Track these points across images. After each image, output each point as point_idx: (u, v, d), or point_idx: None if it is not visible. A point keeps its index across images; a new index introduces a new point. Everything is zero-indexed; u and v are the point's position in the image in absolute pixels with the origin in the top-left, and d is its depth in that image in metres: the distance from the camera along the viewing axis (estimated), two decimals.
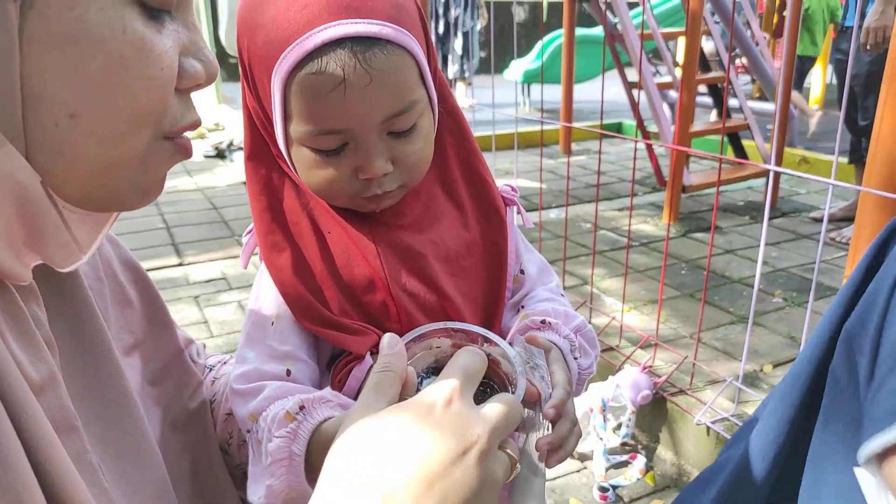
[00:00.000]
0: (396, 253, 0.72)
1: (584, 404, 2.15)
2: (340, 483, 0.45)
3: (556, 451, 0.64)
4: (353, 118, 0.64)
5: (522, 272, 0.83)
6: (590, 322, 2.65)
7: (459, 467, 0.45)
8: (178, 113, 0.48)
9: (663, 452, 2.17)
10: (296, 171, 0.71)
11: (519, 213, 0.83)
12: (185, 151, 0.50)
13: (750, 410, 2.04)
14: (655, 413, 2.19)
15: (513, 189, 0.82)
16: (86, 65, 0.41)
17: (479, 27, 6.67)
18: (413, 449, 0.45)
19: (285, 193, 0.74)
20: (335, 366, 0.74)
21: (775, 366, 2.33)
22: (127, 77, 0.43)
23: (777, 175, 3.87)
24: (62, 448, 0.46)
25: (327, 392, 0.66)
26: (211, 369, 0.83)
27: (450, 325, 0.66)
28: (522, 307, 0.81)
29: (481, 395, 0.63)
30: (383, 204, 0.72)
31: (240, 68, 0.70)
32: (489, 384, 0.65)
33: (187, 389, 0.73)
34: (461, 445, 0.46)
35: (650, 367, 2.20)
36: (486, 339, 0.65)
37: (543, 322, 0.74)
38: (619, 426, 2.14)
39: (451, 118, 0.78)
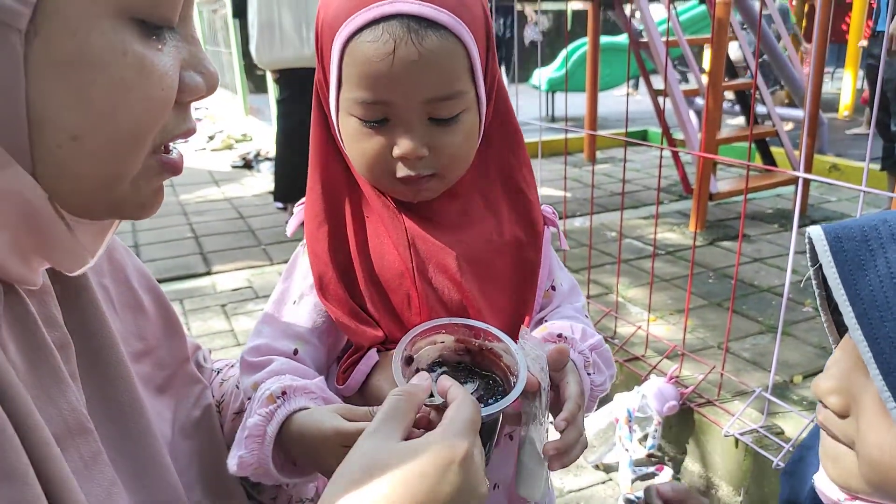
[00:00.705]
0: (426, 247, 0.74)
1: (610, 415, 2.13)
2: None
3: (561, 456, 0.66)
4: (397, 91, 0.67)
5: (554, 288, 0.86)
6: (615, 332, 2.64)
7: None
8: (171, 124, 0.49)
9: (690, 464, 2.14)
10: (343, 143, 0.75)
11: (556, 229, 0.86)
12: (173, 168, 0.51)
13: (779, 422, 2.00)
14: (682, 424, 2.16)
15: (553, 212, 0.86)
16: (88, 89, 0.43)
17: (535, 35, 6.58)
18: None
19: (337, 169, 0.78)
20: (343, 359, 0.78)
21: (805, 377, 2.28)
22: (128, 99, 0.44)
23: (806, 182, 3.80)
24: (64, 462, 0.47)
25: (314, 384, 0.71)
26: (218, 372, 0.84)
27: (454, 320, 0.69)
28: (545, 320, 0.83)
29: (485, 389, 0.66)
30: (420, 194, 0.74)
31: (314, 45, 0.76)
32: (492, 377, 0.68)
33: (193, 396, 0.74)
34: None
35: (677, 377, 2.17)
36: (488, 334, 0.67)
37: (560, 336, 0.76)
38: (645, 437, 2.12)
39: (504, 128, 0.80)
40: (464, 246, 0.75)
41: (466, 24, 0.68)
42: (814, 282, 0.60)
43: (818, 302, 0.61)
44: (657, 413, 2.07)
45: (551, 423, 0.69)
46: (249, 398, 0.72)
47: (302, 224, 0.81)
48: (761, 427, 1.96)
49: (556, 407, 0.69)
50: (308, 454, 0.65)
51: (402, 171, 0.71)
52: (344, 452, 0.52)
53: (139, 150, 0.47)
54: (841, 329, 0.60)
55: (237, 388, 0.81)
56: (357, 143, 0.72)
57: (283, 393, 0.67)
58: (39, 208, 0.45)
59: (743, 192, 1.95)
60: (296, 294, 0.78)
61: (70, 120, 0.43)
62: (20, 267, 0.47)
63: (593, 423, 2.15)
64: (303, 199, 0.81)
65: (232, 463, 0.67)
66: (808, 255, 0.56)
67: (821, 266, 0.54)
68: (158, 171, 0.50)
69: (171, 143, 0.51)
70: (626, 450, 2.07)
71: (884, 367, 0.48)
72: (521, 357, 0.65)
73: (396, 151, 0.70)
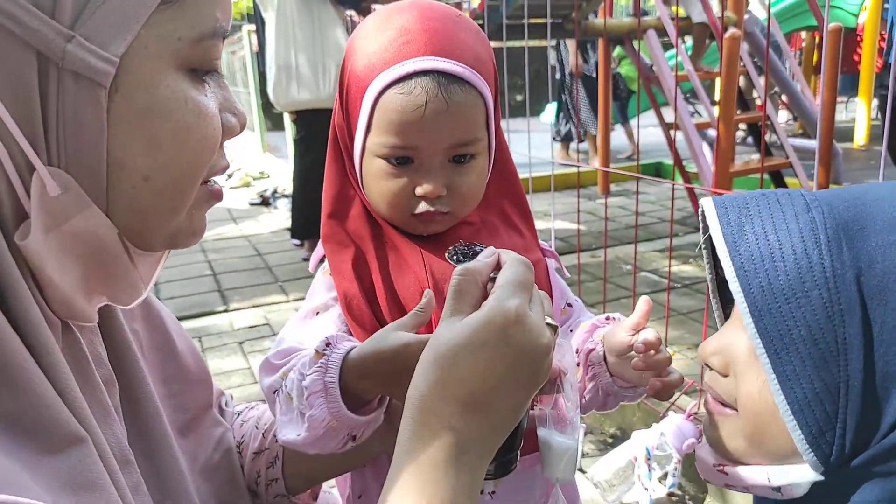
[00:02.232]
0: (441, 268, 0.79)
1: (629, 453, 2.10)
2: (430, 382, 0.51)
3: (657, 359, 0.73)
4: (425, 138, 0.75)
5: (570, 305, 0.91)
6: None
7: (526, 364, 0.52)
8: (215, 161, 0.55)
9: (712, 503, 2.10)
10: (362, 184, 0.81)
11: (557, 263, 0.92)
12: (218, 196, 0.58)
13: None
14: None
15: (549, 247, 0.92)
16: (159, 135, 0.49)
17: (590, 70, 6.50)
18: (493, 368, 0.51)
19: (353, 203, 0.84)
20: None
21: None
22: (190, 140, 0.51)
23: None
24: (123, 481, 0.51)
25: (346, 334, 0.74)
26: (238, 415, 0.87)
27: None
28: (571, 330, 0.88)
29: None
30: (430, 227, 0.81)
31: (336, 91, 0.83)
32: None
33: (214, 439, 0.76)
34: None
35: (695, 413, 2.14)
36: None
37: (608, 318, 0.83)
38: (664, 476, 2.08)
39: (502, 168, 0.87)
40: None
41: (483, 77, 0.77)
42: (706, 267, 0.67)
43: (709, 287, 0.70)
44: (676, 451, 2.04)
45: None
46: (275, 391, 0.71)
47: (322, 259, 0.85)
48: None
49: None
50: (380, 382, 0.66)
51: (421, 207, 0.78)
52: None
53: (196, 185, 0.54)
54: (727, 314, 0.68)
55: (256, 428, 0.83)
56: (380, 182, 0.78)
57: (328, 344, 0.68)
58: (109, 243, 0.51)
59: None
60: (320, 306, 0.82)
61: (143, 163, 0.49)
62: (84, 303, 0.52)
63: (611, 462, 2.12)
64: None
65: (293, 434, 0.67)
66: (700, 227, 0.63)
67: (712, 242, 0.60)
68: (207, 199, 0.57)
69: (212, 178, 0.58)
70: (646, 489, 2.03)
71: (755, 314, 0.53)
72: None
73: (419, 191, 0.77)
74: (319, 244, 0.85)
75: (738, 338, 0.60)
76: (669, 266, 2.39)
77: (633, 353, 0.74)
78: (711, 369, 0.63)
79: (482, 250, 0.64)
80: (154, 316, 0.72)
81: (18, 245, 0.47)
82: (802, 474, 0.56)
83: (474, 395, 0.51)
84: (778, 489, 0.58)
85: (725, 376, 0.62)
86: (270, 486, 0.80)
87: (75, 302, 0.51)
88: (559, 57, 6.60)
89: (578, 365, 0.81)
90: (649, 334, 0.72)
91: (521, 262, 0.58)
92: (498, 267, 0.59)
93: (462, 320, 0.54)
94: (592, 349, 0.81)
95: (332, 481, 0.89)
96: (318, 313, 0.81)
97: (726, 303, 0.70)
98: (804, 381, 0.52)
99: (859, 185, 0.59)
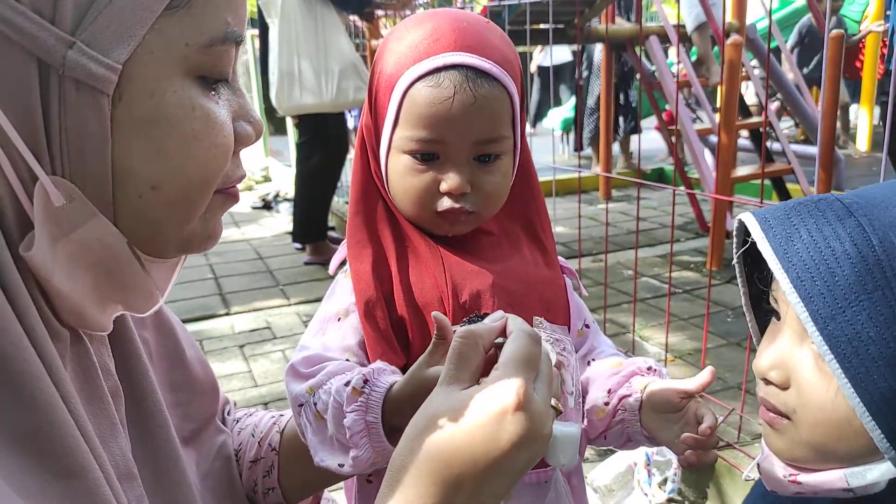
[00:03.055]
0: (462, 272, 0.79)
1: (628, 458, 2.10)
2: (416, 458, 0.49)
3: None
4: (452, 131, 0.75)
5: (588, 326, 0.91)
6: None
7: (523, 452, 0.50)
8: (231, 171, 0.54)
9: None
10: (387, 183, 0.81)
11: (574, 281, 0.92)
12: (234, 197, 0.57)
13: None
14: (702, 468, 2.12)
15: (566, 264, 0.92)
16: (165, 143, 0.48)
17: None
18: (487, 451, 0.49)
19: (377, 204, 0.84)
20: None
21: None
22: (199, 148, 0.49)
23: None
24: (124, 498, 0.50)
25: (381, 363, 0.73)
26: (237, 421, 0.87)
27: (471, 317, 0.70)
28: (591, 360, 0.88)
29: None
30: (455, 227, 0.81)
31: (366, 92, 0.83)
32: None
33: (216, 447, 0.76)
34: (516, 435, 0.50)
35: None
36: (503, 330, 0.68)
37: (650, 369, 0.82)
38: (664, 481, 2.08)
39: (525, 175, 0.87)
40: (496, 275, 0.80)
41: (511, 76, 0.77)
42: (739, 280, 0.67)
43: (743, 301, 0.68)
44: (676, 457, 2.03)
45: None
46: (301, 404, 0.73)
47: (342, 262, 0.85)
48: None
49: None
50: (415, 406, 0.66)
51: (444, 204, 0.78)
52: None
53: (208, 194, 0.52)
54: (762, 329, 0.67)
55: (252, 436, 0.84)
56: (406, 178, 0.79)
57: (366, 381, 0.68)
58: (119, 253, 0.49)
59: None
60: (341, 311, 0.82)
61: (149, 172, 0.48)
62: (97, 313, 0.52)
63: (611, 467, 2.12)
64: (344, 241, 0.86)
65: (334, 463, 0.68)
66: (735, 242, 0.63)
67: (745, 256, 0.61)
68: (224, 202, 0.55)
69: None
70: (646, 494, 2.03)
71: (819, 321, 0.53)
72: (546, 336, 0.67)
73: (444, 186, 0.77)
74: (342, 246, 0.86)
75: (794, 348, 0.60)
76: (670, 272, 2.39)
77: (679, 416, 0.74)
78: (769, 383, 0.62)
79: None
80: (164, 323, 0.72)
81: (24, 256, 0.46)
82: (883, 472, 0.57)
83: (460, 479, 0.48)
84: (851, 490, 0.59)
85: (785, 388, 0.61)
86: (268, 494, 0.80)
87: (87, 311, 0.50)
88: (585, 58, 6.36)
89: (607, 405, 0.81)
90: (710, 420, 0.72)
91: (527, 335, 0.55)
92: (504, 334, 0.56)
93: (460, 392, 0.52)
94: (627, 395, 0.80)
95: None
96: (339, 319, 0.81)
97: (759, 316, 0.70)
98: (879, 381, 0.52)
99: (877, 185, 0.60)
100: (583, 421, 0.79)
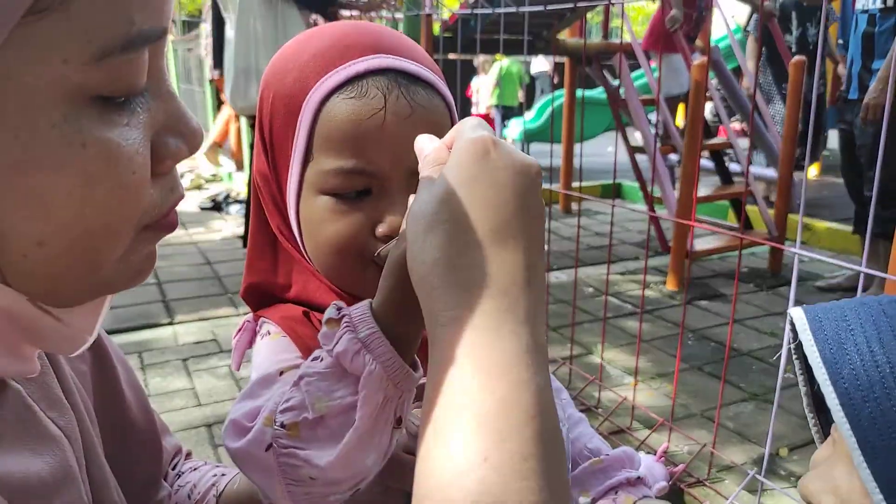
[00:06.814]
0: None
1: None
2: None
3: None
4: (387, 155, 0.59)
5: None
6: (598, 400, 2.54)
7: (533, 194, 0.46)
8: (158, 200, 0.43)
9: None
10: (301, 238, 0.64)
11: None
12: (170, 227, 0.45)
13: (768, 501, 1.91)
14: None
15: None
16: (47, 192, 0.36)
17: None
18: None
19: (293, 279, 0.68)
20: None
21: (791, 449, 2.21)
22: (96, 194, 0.38)
23: (780, 241, 3.82)
24: None
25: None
26: (180, 476, 0.79)
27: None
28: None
29: None
30: None
31: (255, 134, 0.66)
32: None
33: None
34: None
35: (666, 454, 2.07)
36: None
37: (638, 478, 0.74)
38: None
39: None
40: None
41: (445, 84, 0.65)
42: (800, 380, 0.58)
43: (804, 402, 0.60)
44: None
45: None
46: (268, 446, 0.53)
47: (254, 333, 0.69)
48: None
49: None
50: (418, 315, 0.47)
51: (384, 253, 0.59)
52: None
53: (118, 240, 0.41)
54: (825, 428, 0.58)
55: (189, 497, 0.74)
56: (327, 226, 0.61)
57: (339, 308, 0.53)
58: (21, 311, 0.41)
59: (719, 251, 1.90)
60: (275, 371, 0.62)
61: (31, 228, 0.37)
62: (10, 364, 0.43)
63: None
64: (240, 326, 0.70)
65: (324, 461, 0.51)
66: (789, 335, 0.55)
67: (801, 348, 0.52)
68: (155, 235, 0.44)
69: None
70: None
71: (868, 453, 0.46)
72: None
73: (382, 229, 0.60)
74: (240, 335, 0.69)
75: (849, 474, 0.51)
76: (643, 295, 2.33)
77: None
78: None
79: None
80: (104, 358, 0.63)
81: None
82: None
83: (499, 227, 0.43)
84: None
85: None
86: None
87: (4, 368, 0.43)
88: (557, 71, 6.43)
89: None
90: None
91: (472, 119, 0.50)
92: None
93: (441, 177, 0.46)
94: None
95: None
96: (281, 373, 0.62)
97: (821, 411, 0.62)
98: None
99: None
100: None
